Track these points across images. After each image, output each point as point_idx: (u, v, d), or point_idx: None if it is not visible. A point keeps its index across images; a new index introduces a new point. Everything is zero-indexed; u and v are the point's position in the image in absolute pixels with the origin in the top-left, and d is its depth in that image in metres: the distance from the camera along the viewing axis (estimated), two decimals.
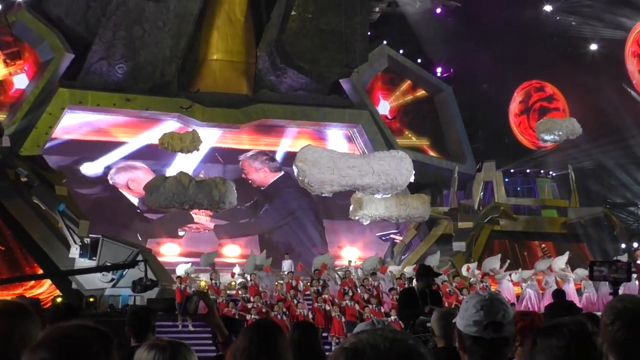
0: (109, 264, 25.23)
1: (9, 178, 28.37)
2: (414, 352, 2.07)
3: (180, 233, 36.82)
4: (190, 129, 33.36)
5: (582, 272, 29.31)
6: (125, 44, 34.03)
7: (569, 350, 2.79)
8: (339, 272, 28.59)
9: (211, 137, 36.50)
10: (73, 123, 35.17)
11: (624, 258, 29.12)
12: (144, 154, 36.30)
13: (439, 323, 5.91)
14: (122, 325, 6.28)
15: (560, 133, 35.78)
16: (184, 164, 34.87)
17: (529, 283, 29.23)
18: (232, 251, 36.54)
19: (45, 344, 2.25)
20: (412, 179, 33.03)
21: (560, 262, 30.59)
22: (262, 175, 38.55)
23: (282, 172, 38.36)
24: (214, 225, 37.55)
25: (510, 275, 29.87)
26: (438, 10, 41.18)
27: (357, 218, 34.08)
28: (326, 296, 25.57)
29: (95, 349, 2.28)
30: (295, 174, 31.36)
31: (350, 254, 36.04)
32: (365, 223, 34.63)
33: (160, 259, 30.71)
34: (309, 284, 26.86)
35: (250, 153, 38.34)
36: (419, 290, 11.43)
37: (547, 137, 36.18)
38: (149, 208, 34.57)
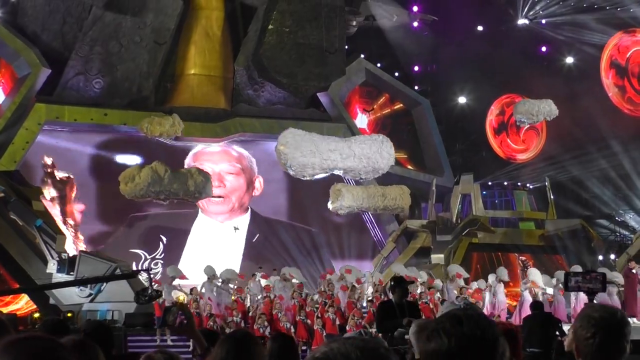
0: (117, 274, 25.14)
1: None
2: None
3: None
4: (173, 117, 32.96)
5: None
6: (102, 59, 33.90)
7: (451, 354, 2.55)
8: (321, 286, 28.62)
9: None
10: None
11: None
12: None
13: (415, 336, 5.93)
14: None
15: (539, 114, 35.96)
16: None
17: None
18: None
19: (10, 350, 2.25)
20: (392, 163, 33.19)
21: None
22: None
23: None
24: None
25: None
26: (415, 24, 41.33)
27: (334, 209, 34.13)
28: (309, 309, 25.60)
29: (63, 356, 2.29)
30: (277, 157, 31.41)
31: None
32: (342, 214, 34.68)
33: None
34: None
35: None
36: (396, 303, 11.43)
37: (525, 119, 36.29)
38: None
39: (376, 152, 32.28)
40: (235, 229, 37.13)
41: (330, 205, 34.02)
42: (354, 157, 32.00)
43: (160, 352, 3.82)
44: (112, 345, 6.49)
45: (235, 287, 27.85)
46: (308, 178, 32.50)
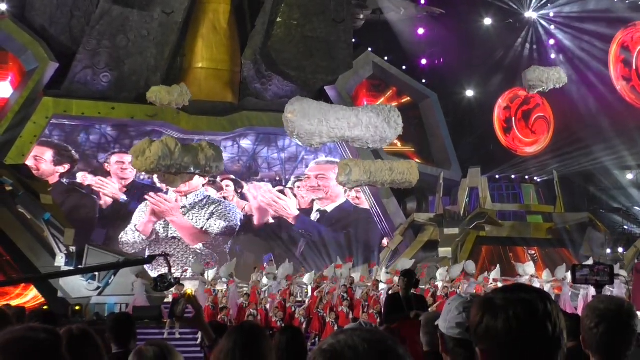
0: (129, 260, 25.22)
1: None
2: (393, 353, 2.06)
3: None
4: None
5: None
6: (109, 52, 33.93)
7: (512, 333, 2.42)
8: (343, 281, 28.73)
9: None
10: None
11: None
12: None
13: (424, 330, 5.91)
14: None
15: (548, 81, 35.88)
16: None
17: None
18: None
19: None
20: (400, 132, 33.19)
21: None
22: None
23: None
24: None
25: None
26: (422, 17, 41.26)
27: (342, 184, 34.21)
28: (325, 301, 25.67)
29: (44, 349, 2.30)
30: (285, 126, 31.46)
31: None
32: (350, 188, 34.74)
33: None
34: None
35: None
36: (403, 296, 11.41)
37: (534, 85, 36.18)
38: None
39: (383, 121, 32.32)
40: None
41: (337, 180, 34.11)
42: (362, 126, 32.05)
43: (151, 345, 3.82)
44: (130, 338, 6.39)
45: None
46: (315, 146, 32.52)
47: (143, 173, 34.09)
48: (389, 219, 37.98)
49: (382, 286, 28.89)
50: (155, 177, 34.34)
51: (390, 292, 22.51)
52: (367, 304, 25.92)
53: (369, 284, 27.60)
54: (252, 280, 27.86)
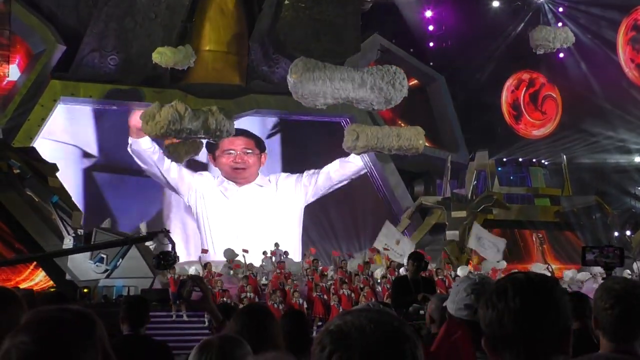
0: (129, 238, 25.39)
1: (2, 170, 28.28)
2: (400, 334, 2.06)
3: None
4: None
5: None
6: (117, 35, 33.90)
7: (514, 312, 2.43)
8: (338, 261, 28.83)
9: None
10: None
11: None
12: None
13: (439, 311, 5.91)
14: (115, 316, 6.37)
15: (555, 41, 35.87)
16: None
17: None
18: None
19: (25, 327, 2.22)
20: (405, 94, 33.19)
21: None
22: None
23: None
24: None
25: None
26: None
27: (349, 149, 34.33)
28: (323, 284, 25.70)
29: (77, 331, 2.25)
30: (289, 86, 31.49)
31: None
32: (357, 154, 34.85)
33: None
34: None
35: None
36: (411, 278, 11.41)
37: (541, 45, 36.15)
38: None
39: (388, 83, 32.31)
40: None
41: (344, 147, 34.22)
42: (366, 87, 32.04)
43: (217, 338, 3.78)
44: (141, 321, 6.40)
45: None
46: (320, 107, 32.55)
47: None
48: (397, 201, 37.99)
49: (371, 267, 29.07)
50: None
51: (398, 276, 22.56)
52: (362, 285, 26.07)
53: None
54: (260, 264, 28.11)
